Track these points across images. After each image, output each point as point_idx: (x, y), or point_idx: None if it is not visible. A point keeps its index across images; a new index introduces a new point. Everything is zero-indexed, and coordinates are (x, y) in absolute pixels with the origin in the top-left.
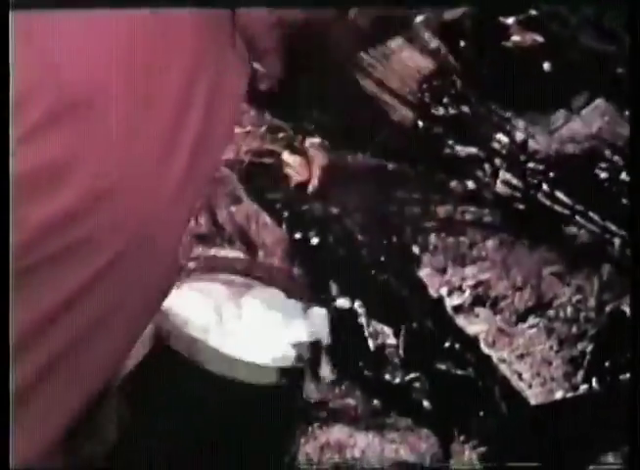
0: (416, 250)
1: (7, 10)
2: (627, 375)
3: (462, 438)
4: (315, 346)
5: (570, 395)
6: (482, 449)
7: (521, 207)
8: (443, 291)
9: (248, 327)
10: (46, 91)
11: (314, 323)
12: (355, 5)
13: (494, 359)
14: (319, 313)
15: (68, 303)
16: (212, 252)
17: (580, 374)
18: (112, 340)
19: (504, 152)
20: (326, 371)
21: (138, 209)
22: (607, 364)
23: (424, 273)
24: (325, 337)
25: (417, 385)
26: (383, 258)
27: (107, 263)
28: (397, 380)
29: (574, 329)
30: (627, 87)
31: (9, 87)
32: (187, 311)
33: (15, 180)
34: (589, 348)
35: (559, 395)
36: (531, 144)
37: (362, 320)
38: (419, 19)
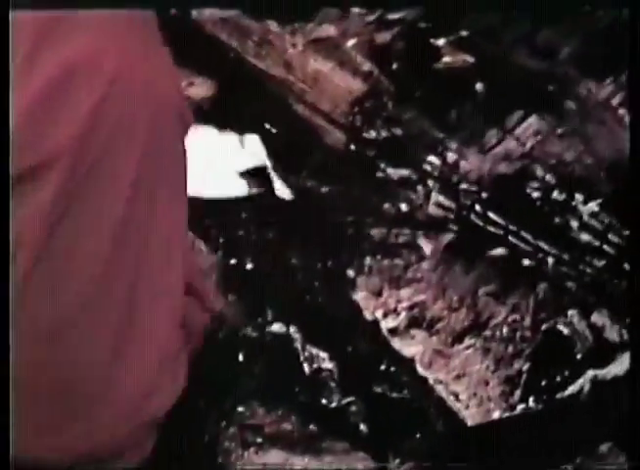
0: (351, 273)
1: (7, 10)
2: (564, 393)
3: (397, 460)
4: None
5: (507, 414)
6: None
7: (454, 228)
8: (379, 313)
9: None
10: None
11: (252, 151)
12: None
13: (430, 381)
14: (253, 139)
15: None
16: None
17: (517, 393)
18: None
19: (436, 173)
20: (283, 191)
21: None
22: (543, 383)
23: (359, 296)
24: (266, 159)
25: (353, 408)
26: (318, 283)
27: None
28: (334, 404)
29: (510, 348)
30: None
31: (9, 87)
32: None
33: None
34: (525, 367)
35: (496, 415)
36: (464, 165)
37: (297, 345)
38: (350, 42)
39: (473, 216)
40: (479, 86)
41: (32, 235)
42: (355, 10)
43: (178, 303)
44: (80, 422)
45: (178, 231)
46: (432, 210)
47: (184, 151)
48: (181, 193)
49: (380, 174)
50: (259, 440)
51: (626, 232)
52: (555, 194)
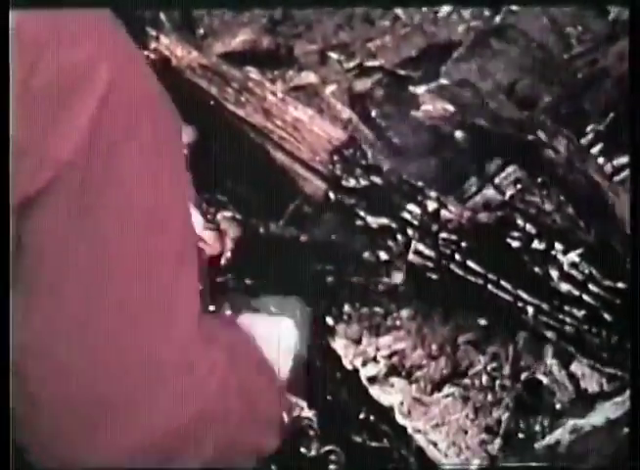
0: (330, 320)
1: (7, 10)
2: (542, 443)
3: None
4: None
5: (485, 464)
6: None
7: (434, 276)
8: (358, 362)
9: None
10: None
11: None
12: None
13: (410, 430)
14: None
15: None
16: None
17: (496, 443)
18: None
19: (416, 222)
20: None
21: None
22: (522, 433)
23: (338, 344)
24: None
25: (333, 457)
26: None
27: None
28: (313, 453)
29: (490, 397)
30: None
31: (9, 87)
32: None
33: None
34: (505, 416)
35: (475, 463)
36: (444, 213)
37: None
38: (329, 89)
39: (453, 265)
40: (458, 134)
41: (53, 250)
42: (334, 56)
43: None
44: (115, 429)
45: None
46: (412, 258)
47: (183, 152)
48: (185, 199)
49: (359, 223)
50: None
51: (606, 282)
52: (535, 244)
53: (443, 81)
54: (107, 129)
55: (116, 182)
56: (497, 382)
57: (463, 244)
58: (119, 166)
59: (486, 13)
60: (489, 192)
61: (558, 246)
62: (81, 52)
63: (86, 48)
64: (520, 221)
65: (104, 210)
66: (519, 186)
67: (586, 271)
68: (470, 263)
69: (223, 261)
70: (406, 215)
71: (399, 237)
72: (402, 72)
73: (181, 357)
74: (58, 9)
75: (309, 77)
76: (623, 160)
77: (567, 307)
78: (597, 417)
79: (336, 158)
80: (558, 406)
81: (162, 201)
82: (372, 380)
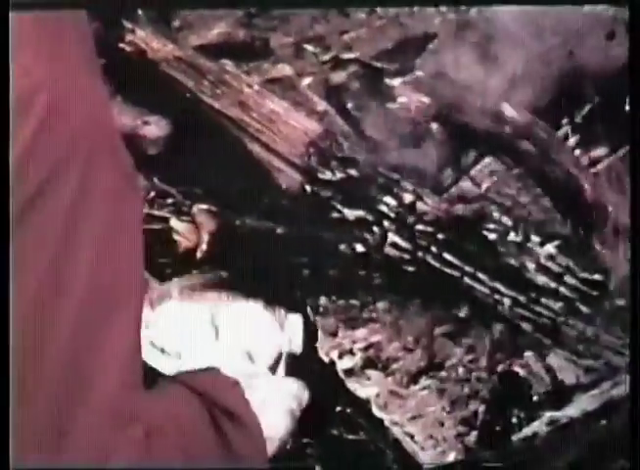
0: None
1: (7, 10)
2: (519, 435)
3: None
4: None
5: (462, 456)
6: None
7: (410, 269)
8: (334, 354)
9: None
10: None
11: (291, 333)
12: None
13: (386, 422)
14: (294, 320)
15: None
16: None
17: (473, 435)
18: None
19: (392, 214)
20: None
21: None
22: (499, 425)
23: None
24: (300, 345)
25: (309, 451)
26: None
27: None
28: (289, 446)
29: (466, 390)
30: (629, 96)
31: (9, 87)
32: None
33: None
34: (481, 408)
35: (451, 456)
36: (420, 206)
37: None
38: (305, 81)
39: (429, 258)
40: (434, 127)
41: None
42: (310, 49)
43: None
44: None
45: (131, 275)
46: (388, 250)
47: (128, 188)
48: (133, 232)
49: (335, 215)
50: None
51: (583, 274)
52: (511, 236)
53: (419, 73)
54: (44, 157)
55: (42, 212)
56: (474, 374)
57: (439, 236)
58: (51, 196)
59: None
60: (465, 184)
61: (534, 238)
62: (28, 79)
63: (33, 76)
64: (496, 213)
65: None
66: (495, 178)
67: (563, 263)
68: (446, 256)
69: (199, 254)
70: (382, 208)
71: (376, 229)
72: (378, 65)
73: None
74: (56, 9)
75: (285, 70)
76: (600, 151)
77: (543, 300)
78: (574, 409)
79: (312, 150)
80: (534, 399)
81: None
82: (348, 373)
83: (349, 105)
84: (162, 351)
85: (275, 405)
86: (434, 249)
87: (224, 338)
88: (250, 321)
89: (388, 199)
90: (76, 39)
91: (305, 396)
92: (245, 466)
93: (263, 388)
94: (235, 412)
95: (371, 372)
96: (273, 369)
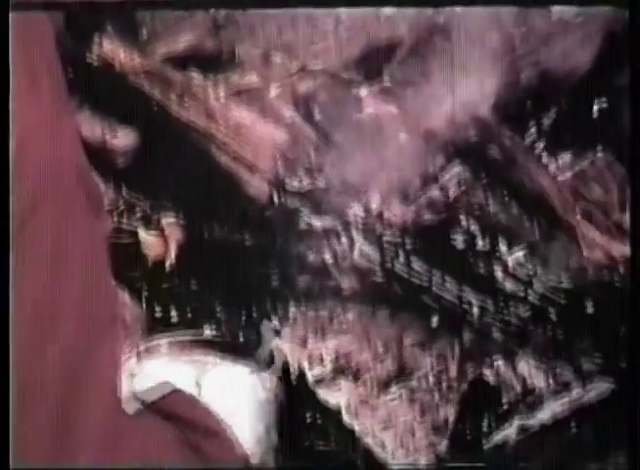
0: (276, 323)
1: (7, 10)
2: (492, 442)
3: None
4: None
5: (433, 464)
6: None
7: (379, 278)
8: (304, 364)
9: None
10: None
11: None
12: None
13: (357, 432)
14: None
15: None
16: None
17: (444, 443)
18: None
19: (360, 224)
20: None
21: None
22: (470, 432)
23: (285, 346)
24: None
25: (280, 460)
26: (242, 333)
27: None
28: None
29: (437, 398)
30: (629, 94)
31: (9, 87)
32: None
33: None
34: (452, 416)
35: (423, 464)
36: (387, 215)
37: None
38: (273, 92)
39: (397, 266)
40: (402, 136)
41: None
42: (277, 59)
43: None
44: None
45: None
46: (356, 259)
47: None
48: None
49: (303, 225)
50: None
51: (551, 280)
52: (479, 243)
53: (386, 84)
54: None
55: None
56: (444, 383)
57: (407, 245)
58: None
59: (429, 12)
60: (434, 193)
61: (502, 246)
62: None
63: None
64: (464, 222)
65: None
66: (463, 187)
67: (531, 270)
68: (414, 264)
69: (168, 267)
70: (350, 217)
71: (344, 239)
72: (345, 75)
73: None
74: (55, 11)
75: (252, 80)
76: (566, 157)
77: (512, 306)
78: (544, 415)
79: (279, 160)
80: (505, 406)
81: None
82: (319, 382)
83: (317, 115)
84: (143, 402)
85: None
86: (401, 257)
87: (206, 397)
88: (234, 385)
89: (356, 208)
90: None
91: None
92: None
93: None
94: (205, 426)
95: (341, 381)
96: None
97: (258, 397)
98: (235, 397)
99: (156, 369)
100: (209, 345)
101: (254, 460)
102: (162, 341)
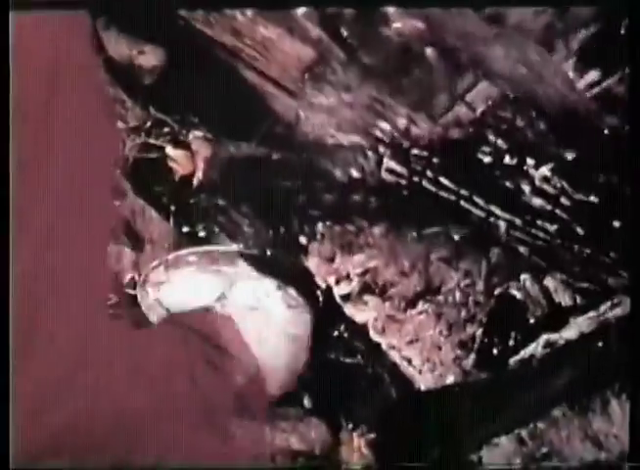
0: (303, 239)
1: (7, 10)
2: (517, 357)
3: (350, 425)
4: None
5: (459, 379)
6: (371, 436)
7: (405, 193)
8: (331, 280)
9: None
10: None
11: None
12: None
13: (384, 346)
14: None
15: None
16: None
17: (470, 358)
18: None
19: (387, 139)
20: None
21: None
22: (496, 348)
23: (311, 263)
24: None
25: (307, 375)
26: (270, 249)
27: None
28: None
29: (463, 313)
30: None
31: (9, 87)
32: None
33: None
34: (479, 331)
35: (449, 379)
36: (414, 131)
37: None
38: (300, 11)
39: (424, 182)
40: (428, 52)
41: None
42: None
43: None
44: None
45: None
46: (384, 175)
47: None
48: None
49: (330, 141)
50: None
51: (578, 196)
52: (506, 159)
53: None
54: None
55: None
56: (470, 298)
57: (434, 160)
58: None
59: None
60: (460, 109)
61: (529, 161)
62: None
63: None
64: (491, 137)
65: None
66: (489, 102)
67: (558, 185)
68: (442, 180)
69: (195, 182)
70: (377, 133)
71: (370, 154)
72: None
73: None
74: (57, 10)
75: None
76: (594, 74)
77: (539, 222)
78: (570, 331)
79: (306, 76)
80: (531, 321)
81: None
82: (345, 298)
83: (344, 31)
84: (167, 310)
85: (272, 336)
86: (429, 173)
87: (230, 310)
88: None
89: (383, 124)
90: None
91: (305, 319)
92: (247, 404)
93: (259, 320)
94: (227, 347)
95: (368, 297)
96: None
97: (285, 315)
98: (260, 314)
99: (183, 279)
100: (238, 257)
101: (273, 391)
102: (192, 251)
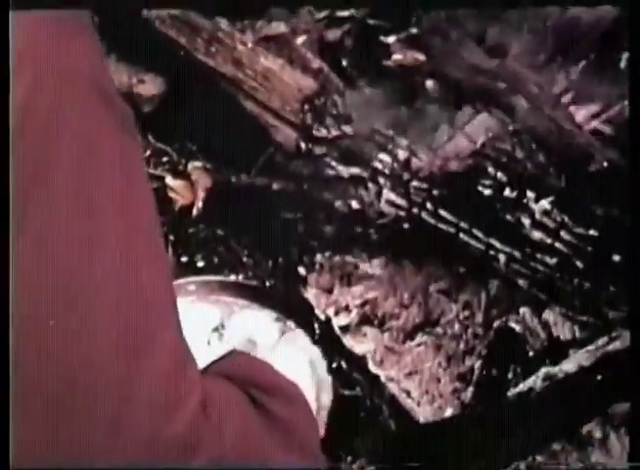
0: (302, 270)
1: (7, 10)
2: (514, 390)
3: (349, 458)
4: None
5: (458, 412)
6: (371, 469)
7: (405, 225)
8: (330, 311)
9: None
10: None
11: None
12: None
13: (382, 378)
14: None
15: None
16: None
17: (469, 391)
18: None
19: (387, 171)
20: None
21: None
22: (495, 380)
23: (310, 294)
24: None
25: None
26: (269, 280)
27: None
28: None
29: (462, 346)
30: (628, 89)
31: (9, 86)
32: None
33: None
34: (477, 364)
35: (448, 412)
36: (414, 162)
37: None
38: (300, 39)
39: (424, 214)
40: (429, 83)
41: None
42: (304, 6)
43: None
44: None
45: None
46: (383, 207)
47: (127, 139)
48: (131, 183)
49: (331, 172)
50: None
51: (578, 230)
52: (506, 192)
53: (413, 30)
54: (37, 116)
55: (42, 175)
56: (469, 330)
57: (434, 192)
58: (46, 160)
59: None
60: (460, 141)
61: (529, 194)
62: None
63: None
64: (491, 169)
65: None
66: (489, 134)
67: (558, 219)
68: (441, 212)
69: (195, 212)
70: (377, 164)
71: (370, 186)
72: (373, 22)
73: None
74: (57, 9)
75: (279, 27)
76: (593, 108)
77: (539, 255)
78: (570, 365)
79: (307, 107)
80: (530, 354)
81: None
82: (344, 329)
83: (344, 62)
84: None
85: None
86: (429, 205)
87: (229, 339)
88: (259, 330)
89: (383, 156)
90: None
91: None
92: (305, 446)
93: (280, 354)
94: (275, 387)
95: (367, 329)
96: None
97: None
98: (260, 341)
99: (182, 308)
100: (237, 287)
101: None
102: (190, 281)
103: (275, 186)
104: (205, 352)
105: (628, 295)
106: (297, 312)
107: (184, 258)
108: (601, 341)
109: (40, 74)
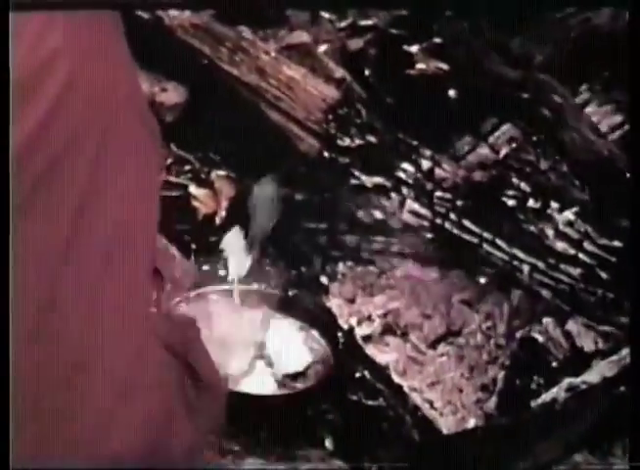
0: (325, 280)
1: (7, 10)
2: (538, 401)
3: (373, 468)
4: None
5: (481, 423)
6: None
7: (429, 235)
8: (353, 321)
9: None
10: None
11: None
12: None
13: (405, 388)
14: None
15: None
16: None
17: (492, 401)
18: None
19: (410, 181)
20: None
21: None
22: (518, 391)
23: (333, 303)
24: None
25: (329, 416)
26: (291, 289)
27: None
28: (310, 412)
29: (485, 356)
30: (628, 91)
31: (9, 86)
32: None
33: None
34: (500, 374)
35: (471, 422)
36: (438, 172)
37: None
38: (322, 48)
39: (447, 224)
40: (452, 93)
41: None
42: (326, 16)
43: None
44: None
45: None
46: (406, 217)
47: (151, 156)
48: (148, 199)
49: (354, 182)
50: (237, 448)
51: (602, 241)
52: (530, 202)
53: (437, 40)
54: (63, 128)
55: (58, 185)
56: (492, 341)
57: (458, 203)
58: (68, 169)
59: None
60: (484, 151)
61: (553, 204)
62: (43, 48)
63: (48, 44)
64: (515, 180)
65: (37, 215)
66: (513, 145)
67: (582, 229)
68: (465, 222)
69: (218, 220)
70: (401, 174)
71: (394, 196)
72: (395, 31)
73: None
74: (56, 10)
75: (302, 36)
76: (617, 118)
77: (562, 266)
78: (593, 375)
79: (330, 117)
80: (553, 365)
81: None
82: (367, 339)
83: (367, 72)
84: None
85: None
86: (452, 215)
87: None
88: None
89: (407, 165)
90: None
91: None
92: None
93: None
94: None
95: (390, 338)
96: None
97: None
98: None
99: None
100: (259, 296)
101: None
102: (212, 289)
103: (298, 196)
104: None
105: None
106: (320, 322)
107: (206, 267)
108: (624, 351)
109: (75, 75)
